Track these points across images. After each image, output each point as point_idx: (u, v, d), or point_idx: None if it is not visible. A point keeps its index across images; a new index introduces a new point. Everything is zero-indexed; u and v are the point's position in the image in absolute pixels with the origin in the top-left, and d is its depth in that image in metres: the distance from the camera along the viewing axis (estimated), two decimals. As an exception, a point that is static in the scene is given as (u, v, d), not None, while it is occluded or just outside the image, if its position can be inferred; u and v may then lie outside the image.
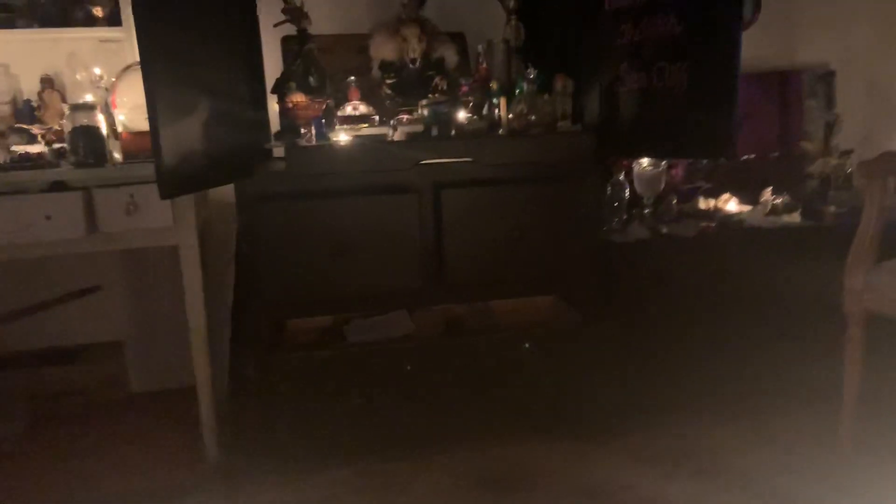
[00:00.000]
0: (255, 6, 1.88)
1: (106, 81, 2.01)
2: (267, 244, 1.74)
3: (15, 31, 2.09)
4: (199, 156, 1.60)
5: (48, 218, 1.69)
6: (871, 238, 1.69)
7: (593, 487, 1.65)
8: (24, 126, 2.06)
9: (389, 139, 1.82)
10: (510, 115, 1.86)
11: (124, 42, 2.08)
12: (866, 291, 1.68)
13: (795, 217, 2.17)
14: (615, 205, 2.13)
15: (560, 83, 1.93)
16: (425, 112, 1.82)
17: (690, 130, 1.73)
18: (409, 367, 1.76)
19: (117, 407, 2.21)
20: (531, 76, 1.87)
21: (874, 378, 1.76)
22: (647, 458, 1.78)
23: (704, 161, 2.30)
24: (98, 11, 2.16)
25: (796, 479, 1.66)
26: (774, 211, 2.20)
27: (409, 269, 1.81)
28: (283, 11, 1.88)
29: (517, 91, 1.89)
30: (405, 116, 1.90)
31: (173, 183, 1.50)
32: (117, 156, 1.89)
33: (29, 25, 2.11)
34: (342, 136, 1.81)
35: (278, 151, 1.90)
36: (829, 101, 2.52)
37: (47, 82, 2.14)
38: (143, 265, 2.29)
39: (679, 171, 2.30)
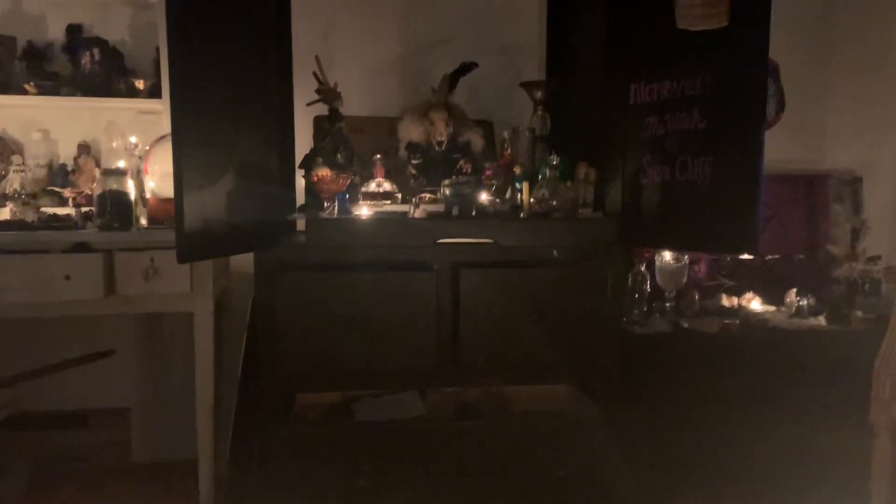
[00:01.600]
0: (292, 86, 1.94)
1: (140, 150, 2.08)
2: (281, 314, 1.73)
3: (58, 98, 2.19)
4: (221, 224, 1.62)
5: (68, 278, 1.71)
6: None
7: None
8: (57, 189, 2.12)
9: (410, 216, 1.83)
10: (532, 199, 1.87)
11: (163, 114, 2.15)
12: (894, 400, 1.62)
13: (821, 321, 2.12)
14: (636, 296, 2.10)
15: (583, 171, 1.95)
16: (447, 191, 1.83)
17: (712, 224, 1.72)
18: (417, 450, 1.71)
19: (118, 475, 2.16)
20: (554, 162, 1.89)
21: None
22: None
23: (728, 258, 2.28)
24: (140, 84, 2.25)
25: None
26: (799, 313, 2.15)
27: (423, 348, 1.78)
28: (317, 91, 1.94)
29: (540, 176, 1.90)
30: (427, 195, 1.92)
31: (192, 247, 1.52)
32: (143, 221, 1.93)
33: (72, 94, 2.20)
34: (364, 211, 1.83)
35: (301, 224, 1.92)
36: (857, 206, 2.51)
37: (84, 148, 2.22)
38: (158, 331, 2.29)
39: (702, 267, 2.27)
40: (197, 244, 1.54)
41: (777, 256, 2.37)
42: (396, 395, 1.86)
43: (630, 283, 2.10)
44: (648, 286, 2.10)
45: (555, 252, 1.82)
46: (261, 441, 1.72)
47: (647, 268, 2.12)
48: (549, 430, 1.78)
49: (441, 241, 1.79)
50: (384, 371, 1.78)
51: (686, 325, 2.03)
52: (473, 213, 1.83)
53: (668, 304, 2.12)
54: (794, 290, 2.21)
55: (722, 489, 1.91)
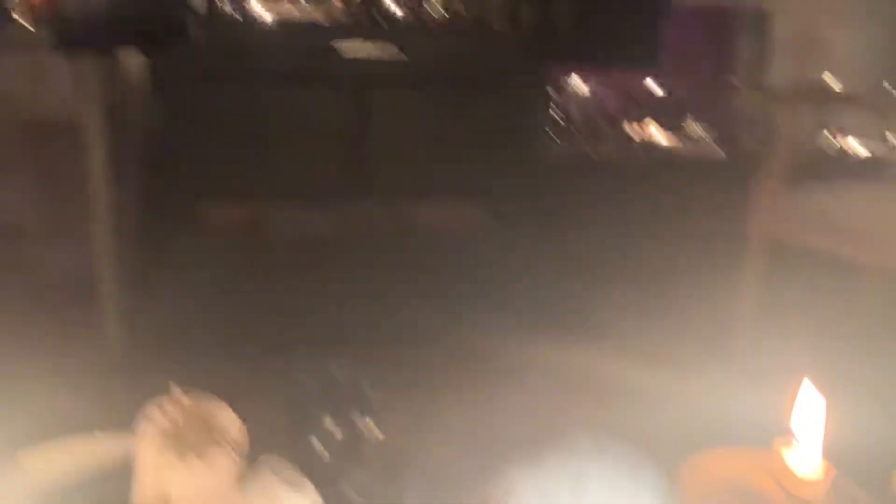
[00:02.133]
0: None
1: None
2: (182, 126, 1.66)
3: None
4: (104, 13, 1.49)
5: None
6: (780, 166, 1.72)
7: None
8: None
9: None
10: (444, 12, 1.81)
11: None
12: (771, 217, 1.72)
13: (715, 147, 2.21)
14: (545, 121, 2.11)
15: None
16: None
17: (617, 36, 1.72)
18: (324, 268, 1.72)
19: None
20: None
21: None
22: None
23: (635, 89, 2.31)
24: None
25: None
26: (695, 139, 2.23)
27: (330, 166, 1.76)
28: None
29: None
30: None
31: (72, 35, 1.40)
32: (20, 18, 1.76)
33: None
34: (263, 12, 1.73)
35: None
36: (761, 41, 2.55)
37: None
38: (45, 144, 2.15)
39: (610, 96, 2.30)
40: (78, 33, 1.42)
41: (678, 85, 2.41)
42: (304, 213, 1.85)
43: (538, 107, 2.10)
44: (560, 112, 2.12)
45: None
46: (165, 254, 1.69)
47: (558, 94, 2.13)
48: (454, 248, 1.82)
49: (350, 56, 1.73)
50: (291, 188, 1.75)
51: (590, 152, 2.07)
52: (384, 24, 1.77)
53: (574, 131, 2.15)
54: (693, 117, 2.27)
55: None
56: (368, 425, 0.74)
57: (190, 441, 0.62)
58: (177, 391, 0.66)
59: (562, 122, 2.15)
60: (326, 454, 0.71)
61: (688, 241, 1.87)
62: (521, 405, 1.08)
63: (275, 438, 0.69)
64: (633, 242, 1.76)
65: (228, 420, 0.68)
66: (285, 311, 1.32)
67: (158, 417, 0.63)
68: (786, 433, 0.84)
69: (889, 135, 2.46)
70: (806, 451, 0.80)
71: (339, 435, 0.72)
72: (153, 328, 1.67)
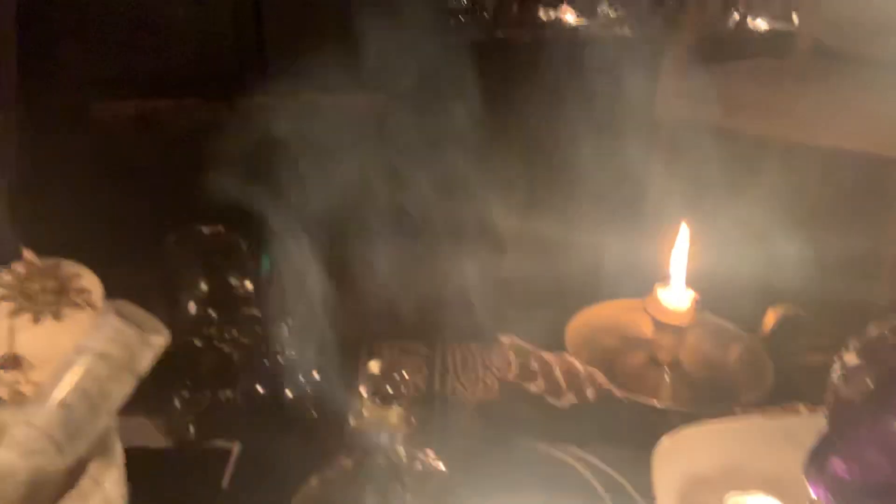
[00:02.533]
0: None
1: None
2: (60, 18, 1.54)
3: None
4: None
5: None
6: (688, 45, 1.72)
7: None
8: None
9: None
10: None
11: None
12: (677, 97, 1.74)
13: (626, 30, 2.20)
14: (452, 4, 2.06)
15: None
16: None
17: None
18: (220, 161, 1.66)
19: None
20: None
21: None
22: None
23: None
24: None
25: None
26: (610, 22, 2.21)
27: (223, 51, 1.68)
28: None
29: None
30: None
31: None
32: None
33: None
34: None
35: None
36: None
37: None
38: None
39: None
40: None
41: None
42: (199, 101, 1.77)
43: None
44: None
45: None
46: (49, 151, 1.60)
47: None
48: (355, 133, 1.78)
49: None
50: (181, 78, 1.67)
51: (500, 35, 2.03)
52: None
53: (484, 13, 2.10)
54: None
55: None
56: (246, 287, 0.72)
57: (44, 303, 0.60)
58: (28, 254, 0.63)
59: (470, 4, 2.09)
60: (198, 315, 0.70)
61: (594, 118, 1.88)
62: (425, 258, 1.09)
63: (148, 303, 0.67)
64: (539, 119, 1.77)
65: (88, 282, 0.65)
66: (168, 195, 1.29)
67: (9, 280, 0.60)
68: (665, 277, 0.88)
69: (795, 15, 2.50)
70: (678, 287, 0.84)
71: (215, 296, 0.71)
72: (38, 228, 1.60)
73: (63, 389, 0.46)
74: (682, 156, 1.40)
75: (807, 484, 0.56)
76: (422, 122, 1.72)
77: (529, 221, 1.01)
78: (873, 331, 0.56)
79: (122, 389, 0.47)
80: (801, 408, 0.79)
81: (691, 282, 0.86)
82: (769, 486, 0.67)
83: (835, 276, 0.90)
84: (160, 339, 0.48)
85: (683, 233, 0.85)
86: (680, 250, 0.85)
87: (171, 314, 0.72)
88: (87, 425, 0.46)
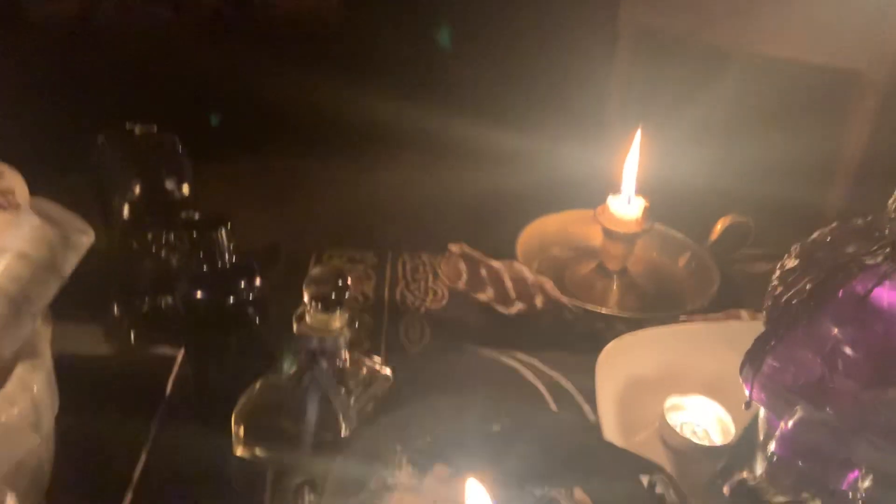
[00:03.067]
0: None
1: None
2: None
3: None
4: None
5: None
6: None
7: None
8: None
9: None
10: None
11: None
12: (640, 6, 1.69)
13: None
14: None
15: None
16: None
17: None
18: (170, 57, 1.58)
19: None
20: None
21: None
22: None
23: None
24: None
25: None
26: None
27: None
28: None
29: None
30: None
31: None
32: None
33: None
34: None
35: None
36: None
37: None
38: None
39: None
40: None
41: None
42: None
43: None
44: None
45: None
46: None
47: None
48: (307, 33, 1.70)
49: None
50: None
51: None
52: None
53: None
54: None
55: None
56: (183, 191, 0.69)
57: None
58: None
59: None
60: (133, 219, 0.67)
61: (554, 25, 1.83)
62: (377, 168, 1.07)
63: (79, 206, 0.64)
64: (496, 26, 1.71)
65: (11, 181, 0.62)
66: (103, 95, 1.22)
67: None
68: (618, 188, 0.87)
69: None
70: (629, 196, 0.83)
71: (149, 199, 0.68)
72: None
73: (-20, 290, 0.43)
74: (643, 66, 1.38)
75: (743, 385, 0.58)
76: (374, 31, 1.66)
77: (483, 131, 0.99)
78: (815, 234, 0.56)
79: (46, 291, 0.45)
80: (744, 313, 0.80)
81: (644, 192, 0.86)
82: (708, 389, 0.69)
83: (789, 184, 0.90)
84: (85, 239, 0.45)
85: (637, 139, 0.84)
86: (633, 157, 0.84)
87: (104, 218, 0.69)
88: (9, 327, 0.44)
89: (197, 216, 0.62)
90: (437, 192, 1.06)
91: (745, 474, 0.37)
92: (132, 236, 0.68)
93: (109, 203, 0.67)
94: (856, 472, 0.54)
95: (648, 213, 0.85)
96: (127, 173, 0.67)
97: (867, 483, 0.53)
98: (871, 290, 0.50)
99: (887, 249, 0.51)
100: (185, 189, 0.69)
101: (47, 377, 0.46)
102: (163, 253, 0.70)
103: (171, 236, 0.70)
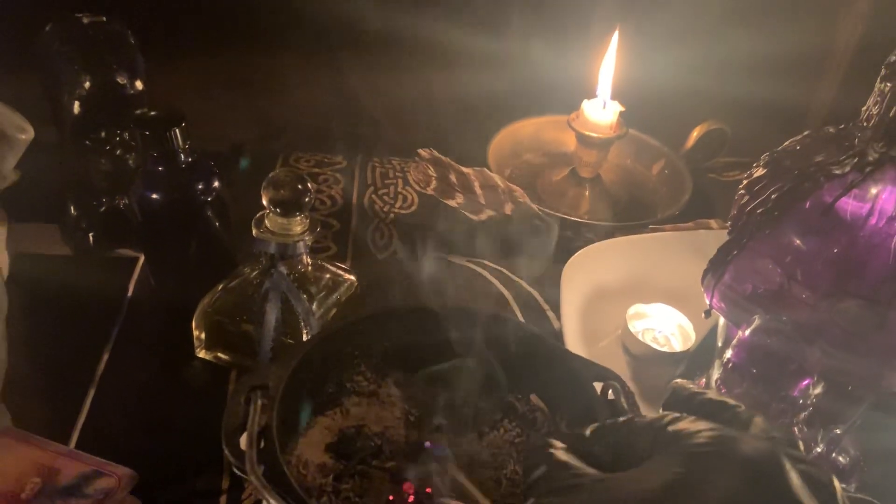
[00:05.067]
0: None
1: None
2: None
3: None
4: None
5: None
6: None
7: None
8: None
9: None
10: None
11: None
12: None
13: None
14: None
15: None
16: None
17: None
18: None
19: None
20: None
21: None
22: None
23: None
24: None
25: None
26: None
27: None
28: None
29: None
30: None
31: None
32: None
33: None
34: None
35: None
36: None
37: None
38: None
39: None
40: None
41: None
42: None
43: None
44: None
45: None
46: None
47: None
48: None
49: None
50: None
51: None
52: None
53: None
54: None
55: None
56: (136, 86, 0.66)
57: None
58: None
59: None
60: (84, 116, 0.64)
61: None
62: (348, 72, 1.03)
63: (25, 103, 0.61)
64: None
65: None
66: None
67: None
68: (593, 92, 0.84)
69: None
70: (604, 101, 0.81)
71: (101, 95, 0.65)
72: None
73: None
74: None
75: (704, 293, 0.58)
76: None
77: (456, 33, 0.94)
78: (786, 143, 0.55)
79: (-15, 189, 0.43)
80: (714, 223, 0.80)
81: (621, 96, 0.83)
82: (671, 298, 0.69)
83: (774, 83, 0.87)
84: (24, 136, 0.43)
85: (614, 41, 0.80)
86: (609, 60, 0.81)
87: (54, 115, 0.66)
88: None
89: (151, 114, 0.59)
90: (410, 95, 1.02)
91: (678, 381, 0.37)
92: (84, 135, 0.66)
93: (59, 99, 0.64)
94: (808, 380, 0.54)
95: (623, 118, 0.83)
96: (76, 67, 0.63)
97: (818, 390, 0.55)
98: (836, 200, 0.50)
99: (855, 159, 0.50)
100: (139, 84, 0.65)
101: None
102: (118, 152, 0.67)
103: (126, 135, 0.67)
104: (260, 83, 1.08)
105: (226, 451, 0.40)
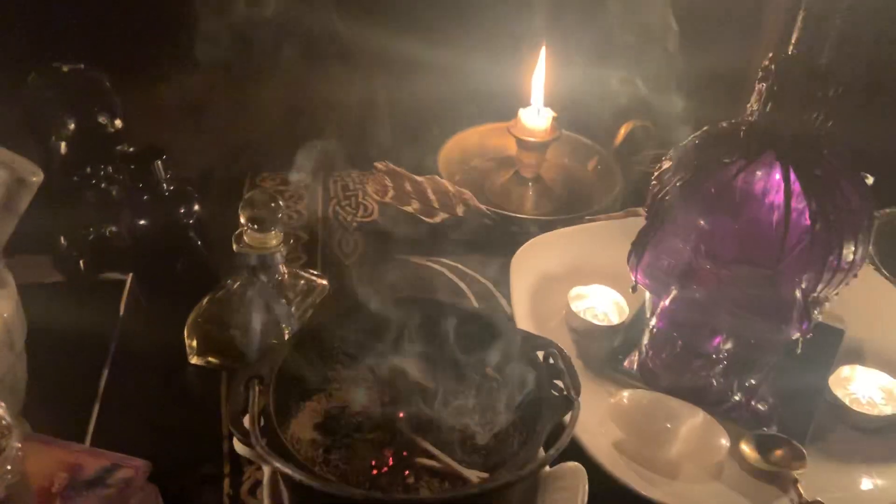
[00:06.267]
0: None
1: None
2: None
3: None
4: None
5: None
6: None
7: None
8: None
9: None
10: None
11: None
12: None
13: None
14: None
15: None
16: None
17: None
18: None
19: None
20: None
21: None
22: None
23: None
24: None
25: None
26: None
27: None
28: None
29: None
30: None
31: None
32: None
33: None
34: None
35: None
36: None
37: None
38: None
39: None
40: None
41: None
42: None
43: None
44: None
45: None
46: None
47: None
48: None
49: None
50: None
51: None
52: None
53: None
54: None
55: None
56: (116, 124, 0.73)
57: None
58: None
59: None
60: (71, 154, 0.71)
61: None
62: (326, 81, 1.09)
63: (18, 145, 0.68)
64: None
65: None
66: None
67: None
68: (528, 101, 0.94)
69: None
70: (538, 108, 0.90)
71: (84, 135, 0.72)
72: None
73: (-57, 230, 0.48)
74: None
75: (629, 272, 0.67)
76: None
77: (400, 48, 1.02)
78: (687, 139, 0.65)
79: (4, 228, 0.50)
80: (641, 210, 0.89)
81: (554, 104, 0.93)
82: (607, 279, 0.78)
83: (698, 98, 0.97)
84: (35, 179, 0.50)
85: (542, 55, 0.90)
86: (539, 72, 0.90)
87: (43, 155, 0.73)
88: (-26, 262, 0.50)
89: (132, 149, 0.67)
90: (360, 107, 1.09)
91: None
92: (71, 171, 0.72)
93: (46, 140, 0.71)
94: (719, 338, 0.64)
95: (557, 122, 0.92)
96: (59, 111, 0.70)
97: (728, 345, 0.64)
98: (729, 184, 0.59)
99: (742, 149, 0.60)
100: (118, 122, 0.73)
101: (15, 303, 0.52)
102: (102, 185, 0.74)
103: (110, 169, 0.74)
104: (212, 105, 1.14)
105: (233, 431, 0.48)
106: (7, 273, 0.53)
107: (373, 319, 0.60)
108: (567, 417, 0.50)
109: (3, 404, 0.44)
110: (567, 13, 0.96)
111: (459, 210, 0.88)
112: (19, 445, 0.45)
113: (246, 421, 0.49)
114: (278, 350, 0.55)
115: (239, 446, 0.51)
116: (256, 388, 0.50)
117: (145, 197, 0.67)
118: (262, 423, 0.49)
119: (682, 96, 0.97)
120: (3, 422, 0.44)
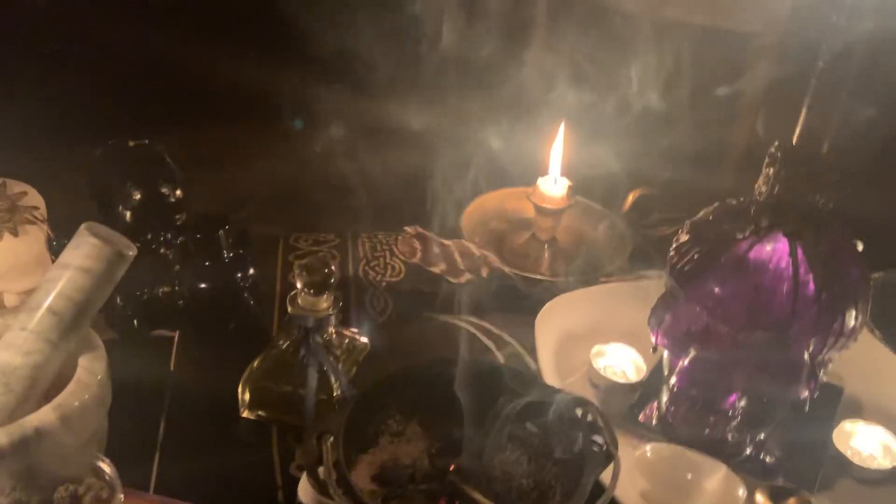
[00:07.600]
0: None
1: None
2: None
3: None
4: None
5: None
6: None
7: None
8: None
9: None
10: None
11: None
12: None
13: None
14: None
15: None
16: None
17: None
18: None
19: None
20: None
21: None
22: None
23: None
24: None
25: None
26: None
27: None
28: None
29: None
30: None
31: None
32: None
33: None
34: None
35: None
36: None
37: None
38: None
39: None
40: None
41: None
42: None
43: None
44: None
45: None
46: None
47: None
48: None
49: None
50: None
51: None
52: None
53: None
54: None
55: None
56: (177, 195, 0.79)
57: (1, 221, 0.66)
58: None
59: None
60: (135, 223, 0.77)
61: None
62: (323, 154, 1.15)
63: (86, 215, 0.74)
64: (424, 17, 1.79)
65: (35, 199, 0.71)
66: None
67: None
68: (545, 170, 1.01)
69: None
70: (555, 178, 0.98)
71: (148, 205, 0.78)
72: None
73: (52, 299, 0.54)
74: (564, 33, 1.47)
75: (650, 333, 0.74)
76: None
77: (413, 116, 1.10)
78: (701, 214, 0.72)
79: (101, 297, 0.56)
80: (652, 272, 0.97)
81: (569, 173, 1.00)
82: (626, 338, 0.85)
83: (689, 163, 1.05)
84: (131, 252, 0.56)
85: (561, 131, 0.98)
86: (557, 146, 0.98)
87: (108, 223, 0.78)
88: (76, 328, 0.55)
89: (197, 219, 0.73)
90: (382, 172, 1.16)
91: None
92: (134, 239, 0.78)
93: (113, 210, 0.77)
94: (734, 396, 0.71)
95: (572, 190, 0.99)
96: (125, 183, 0.77)
97: (743, 403, 0.71)
98: (742, 257, 0.67)
99: (752, 226, 0.67)
100: (179, 192, 0.79)
101: (106, 363, 0.58)
102: (161, 250, 0.80)
103: (169, 235, 0.80)
104: (216, 156, 1.19)
105: (310, 480, 0.53)
106: (96, 337, 0.58)
107: (421, 378, 0.66)
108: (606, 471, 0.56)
109: (110, 462, 0.50)
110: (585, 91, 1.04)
111: (484, 271, 0.95)
112: (122, 497, 0.50)
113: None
114: (343, 406, 0.60)
115: (307, 495, 0.56)
116: (328, 443, 0.56)
117: (207, 263, 0.73)
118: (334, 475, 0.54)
119: (681, 167, 1.06)
120: (109, 478, 0.50)
